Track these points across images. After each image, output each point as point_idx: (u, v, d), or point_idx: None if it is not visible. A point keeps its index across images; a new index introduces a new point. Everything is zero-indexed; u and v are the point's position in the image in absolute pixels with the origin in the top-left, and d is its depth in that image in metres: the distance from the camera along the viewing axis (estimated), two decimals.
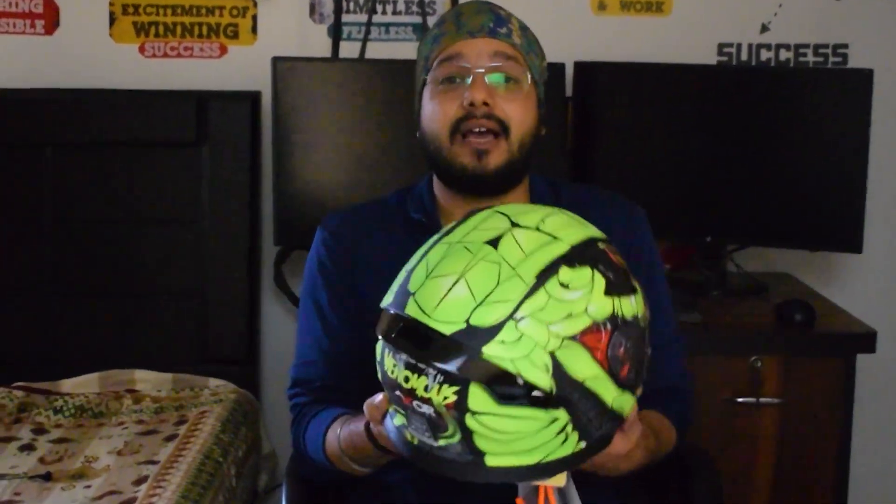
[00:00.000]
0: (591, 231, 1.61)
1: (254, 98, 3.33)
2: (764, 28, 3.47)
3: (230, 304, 3.31)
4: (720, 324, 2.97)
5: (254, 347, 3.36)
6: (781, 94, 3.12)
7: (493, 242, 1.53)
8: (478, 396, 1.48)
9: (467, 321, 1.47)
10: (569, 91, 3.24)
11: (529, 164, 2.00)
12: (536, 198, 2.06)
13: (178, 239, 3.31)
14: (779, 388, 2.88)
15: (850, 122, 3.02)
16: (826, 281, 3.47)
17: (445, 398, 1.49)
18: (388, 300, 1.58)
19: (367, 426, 1.77)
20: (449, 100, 1.94)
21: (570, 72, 3.22)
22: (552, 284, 1.49)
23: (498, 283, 1.49)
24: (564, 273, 1.51)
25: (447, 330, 1.48)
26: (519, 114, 1.94)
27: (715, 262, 3.21)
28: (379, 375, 1.60)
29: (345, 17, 3.43)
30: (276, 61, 3.13)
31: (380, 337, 1.57)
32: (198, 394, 3.14)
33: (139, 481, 2.56)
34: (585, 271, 1.53)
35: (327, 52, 3.40)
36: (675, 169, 3.20)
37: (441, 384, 1.49)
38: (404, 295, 1.54)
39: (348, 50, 3.41)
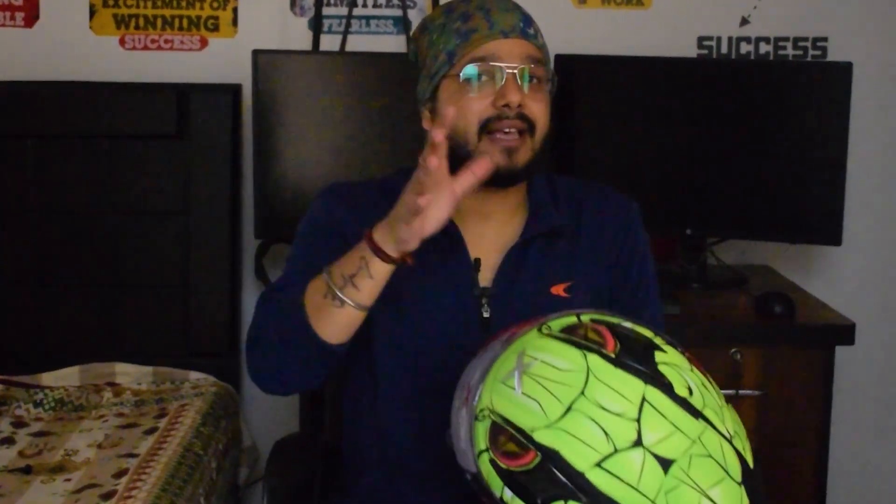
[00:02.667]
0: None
1: (234, 91, 3.33)
2: (744, 21, 3.48)
3: (212, 297, 3.31)
4: (700, 316, 2.98)
5: (235, 340, 3.36)
6: (761, 87, 3.12)
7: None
8: None
9: None
10: None
11: (543, 158, 2.02)
12: (534, 188, 2.07)
13: (159, 231, 3.30)
14: (758, 380, 2.89)
15: (829, 116, 3.03)
16: (806, 273, 3.49)
17: None
18: None
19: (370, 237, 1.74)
20: (479, 98, 1.93)
21: (551, 65, 3.21)
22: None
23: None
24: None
25: None
26: (544, 114, 1.96)
27: (695, 255, 3.22)
28: None
29: (325, 10, 3.42)
30: (257, 54, 3.13)
31: None
32: (178, 387, 3.14)
33: (119, 474, 2.56)
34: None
35: (308, 45, 3.40)
36: (656, 161, 3.21)
37: None
38: None
39: (329, 43, 3.41)
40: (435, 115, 2.00)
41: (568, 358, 1.50)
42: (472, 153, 1.93)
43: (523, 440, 1.45)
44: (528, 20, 1.99)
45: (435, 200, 1.67)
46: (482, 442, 1.49)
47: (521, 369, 1.50)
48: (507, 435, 1.46)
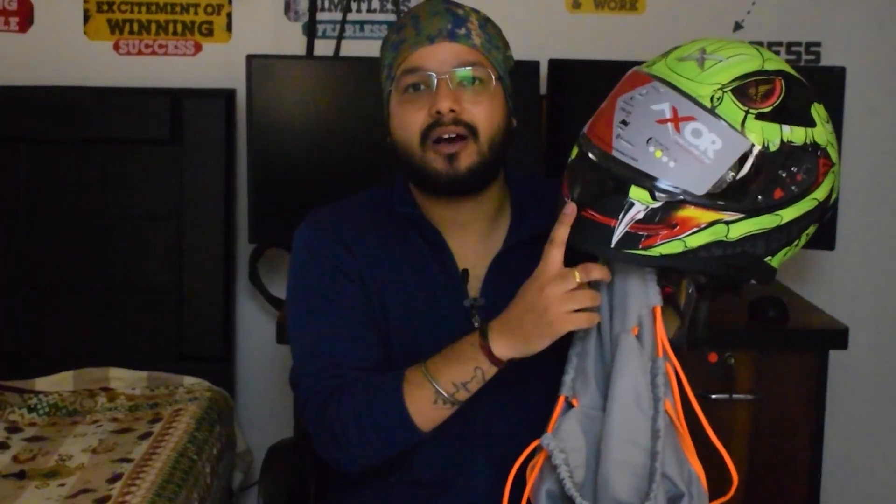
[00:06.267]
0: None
1: (229, 96, 3.33)
2: (737, 26, 3.48)
3: (206, 302, 3.31)
4: None
5: (229, 345, 3.36)
6: None
7: None
8: None
9: None
10: (543, 89, 3.24)
11: (503, 160, 2.01)
12: (515, 193, 2.07)
13: (153, 236, 3.30)
14: (752, 384, 2.89)
15: None
16: (799, 278, 3.49)
17: None
18: None
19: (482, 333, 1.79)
20: (416, 108, 1.94)
21: (544, 70, 3.22)
22: None
23: None
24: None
25: None
26: (486, 115, 1.95)
27: None
28: None
29: (319, 15, 3.43)
30: (251, 59, 3.13)
31: None
32: (172, 392, 3.14)
33: (113, 479, 2.56)
34: None
35: (302, 50, 3.41)
36: None
37: None
38: None
39: (323, 48, 3.41)
40: (390, 130, 2.01)
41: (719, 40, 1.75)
42: (418, 164, 1.95)
43: (763, 77, 1.66)
44: (459, 21, 1.97)
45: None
46: (738, 112, 1.63)
47: (702, 57, 1.70)
48: (751, 85, 1.66)
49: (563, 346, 1.78)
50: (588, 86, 3.24)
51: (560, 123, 3.22)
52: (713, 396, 2.86)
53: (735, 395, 2.88)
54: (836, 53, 3.47)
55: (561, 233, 1.70)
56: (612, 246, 1.64)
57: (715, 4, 3.49)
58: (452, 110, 1.91)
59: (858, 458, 3.65)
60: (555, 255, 1.71)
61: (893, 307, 3.63)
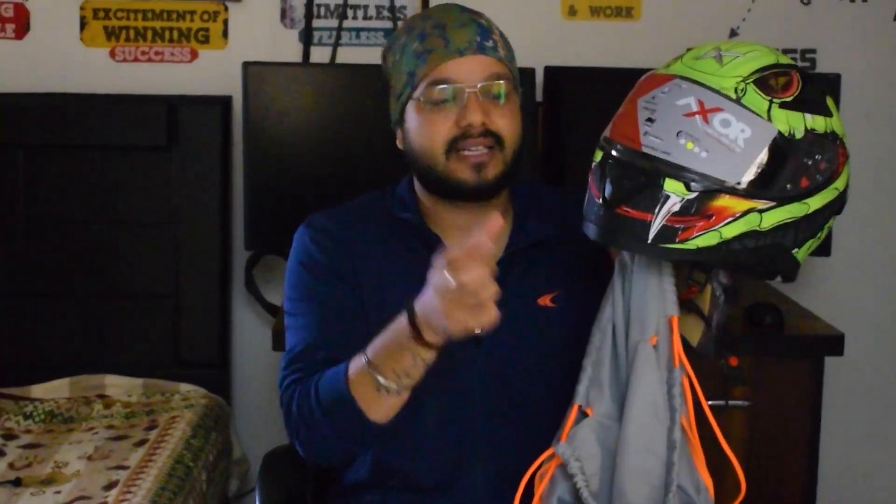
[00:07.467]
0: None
1: (225, 103, 3.33)
2: (733, 33, 3.49)
3: (202, 309, 3.31)
4: None
5: (225, 352, 3.36)
6: None
7: None
8: None
9: None
10: (539, 96, 3.25)
11: (520, 168, 2.02)
12: (518, 200, 2.07)
13: (149, 243, 3.30)
14: (748, 390, 2.89)
15: None
16: (795, 284, 3.48)
17: None
18: None
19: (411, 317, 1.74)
20: (442, 119, 1.94)
21: (540, 77, 3.23)
22: None
23: None
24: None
25: None
26: (511, 126, 1.96)
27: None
28: None
29: (315, 23, 3.43)
30: (247, 66, 3.13)
31: None
32: (168, 399, 3.14)
33: (109, 486, 2.56)
34: None
35: (298, 57, 3.41)
36: None
37: None
38: None
39: (319, 55, 3.42)
40: (405, 136, 2.01)
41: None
42: (441, 173, 1.95)
43: (780, 69, 1.67)
44: (486, 32, 1.97)
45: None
46: (763, 102, 1.63)
47: (719, 54, 1.69)
48: (771, 76, 1.66)
49: (561, 351, 1.76)
50: (584, 93, 3.25)
51: (556, 130, 3.22)
52: (709, 402, 2.85)
53: (731, 402, 2.87)
54: (831, 60, 3.48)
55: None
56: (649, 241, 1.63)
57: (710, 11, 3.50)
58: (483, 122, 1.92)
59: (854, 464, 3.65)
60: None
61: (889, 313, 3.64)
